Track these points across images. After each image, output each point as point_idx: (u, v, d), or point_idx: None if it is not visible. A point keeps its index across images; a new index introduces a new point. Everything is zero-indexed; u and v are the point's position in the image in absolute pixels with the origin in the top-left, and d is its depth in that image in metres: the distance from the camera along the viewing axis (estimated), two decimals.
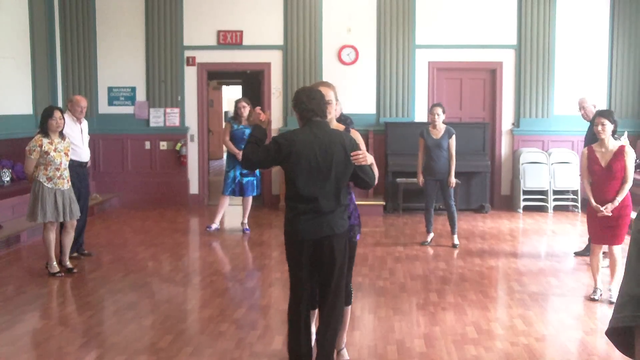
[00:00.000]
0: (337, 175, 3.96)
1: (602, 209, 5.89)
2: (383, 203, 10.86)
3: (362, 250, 8.12)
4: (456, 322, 5.41)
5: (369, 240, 8.75)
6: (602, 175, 5.91)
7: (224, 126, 10.35)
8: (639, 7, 11.19)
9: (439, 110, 8.17)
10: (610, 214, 5.87)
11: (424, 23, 11.37)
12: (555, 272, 7.13)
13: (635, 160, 10.57)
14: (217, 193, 10.85)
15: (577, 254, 7.80)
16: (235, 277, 7.08)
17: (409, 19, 11.32)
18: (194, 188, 11.79)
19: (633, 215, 6.26)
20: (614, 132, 5.96)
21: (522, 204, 11.08)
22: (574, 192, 11.04)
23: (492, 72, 11.54)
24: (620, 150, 5.87)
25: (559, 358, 4.80)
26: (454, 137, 8.20)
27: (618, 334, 1.29)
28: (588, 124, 7.78)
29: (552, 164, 11.06)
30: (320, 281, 4.13)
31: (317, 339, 4.16)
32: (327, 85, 4.45)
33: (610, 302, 5.84)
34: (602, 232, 5.97)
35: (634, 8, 11.19)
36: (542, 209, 11.08)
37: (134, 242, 8.67)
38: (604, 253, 7.27)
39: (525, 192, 11.13)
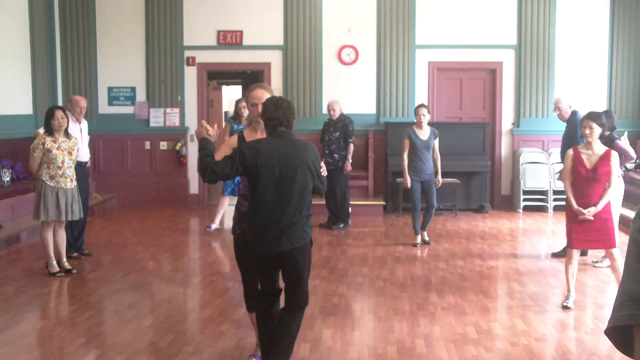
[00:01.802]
0: (299, 187, 3.90)
1: (584, 212, 5.71)
2: (383, 203, 10.86)
3: (362, 251, 8.13)
4: (456, 322, 5.41)
5: (369, 240, 8.75)
6: (586, 178, 5.72)
7: (224, 126, 10.36)
8: (639, 7, 11.19)
9: (425, 110, 8.22)
10: (592, 218, 5.69)
11: (424, 23, 11.37)
12: (555, 272, 7.12)
13: (635, 160, 10.60)
14: (217, 193, 10.85)
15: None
16: (235, 277, 7.05)
17: (409, 19, 11.32)
18: (194, 188, 11.79)
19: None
20: (601, 135, 5.81)
21: (522, 204, 11.08)
22: None
23: (492, 72, 11.54)
24: (607, 155, 5.70)
25: (559, 358, 4.80)
26: (438, 138, 8.34)
27: (617, 333, 1.29)
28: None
29: (552, 164, 11.05)
30: (286, 286, 4.09)
31: (275, 340, 4.05)
32: (264, 87, 4.37)
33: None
34: (587, 236, 5.78)
35: (634, 8, 11.19)
36: (542, 209, 11.08)
37: (134, 242, 8.67)
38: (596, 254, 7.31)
39: (525, 192, 11.13)
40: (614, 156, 5.73)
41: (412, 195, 8.36)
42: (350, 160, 9.48)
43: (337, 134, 9.43)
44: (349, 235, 9.12)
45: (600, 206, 5.68)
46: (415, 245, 8.35)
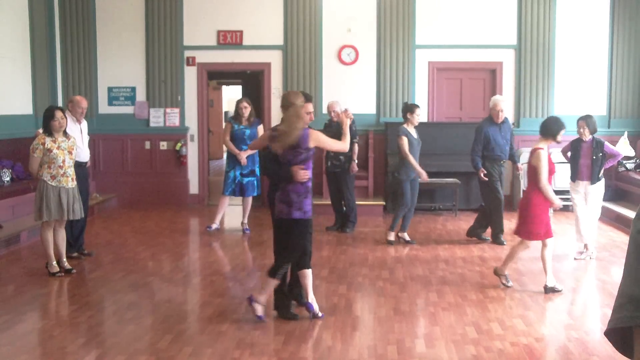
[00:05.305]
0: None
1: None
2: (383, 203, 10.86)
3: (362, 251, 8.13)
4: (456, 322, 5.41)
5: (369, 240, 8.75)
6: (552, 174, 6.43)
7: (224, 126, 10.35)
8: (639, 7, 11.19)
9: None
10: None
11: (424, 23, 11.37)
12: (555, 272, 7.10)
13: (636, 160, 10.60)
14: (217, 193, 10.85)
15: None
16: (235, 277, 7.08)
17: (409, 19, 11.32)
18: (194, 188, 11.79)
19: None
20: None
21: None
22: None
23: (492, 72, 11.53)
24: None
25: (559, 358, 4.81)
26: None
27: (617, 335, 1.29)
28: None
29: None
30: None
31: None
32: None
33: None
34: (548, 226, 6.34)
35: (634, 8, 11.19)
36: None
37: (134, 242, 8.67)
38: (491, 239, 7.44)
39: None
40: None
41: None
42: (356, 161, 9.30)
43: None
44: (349, 235, 9.11)
45: None
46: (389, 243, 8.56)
